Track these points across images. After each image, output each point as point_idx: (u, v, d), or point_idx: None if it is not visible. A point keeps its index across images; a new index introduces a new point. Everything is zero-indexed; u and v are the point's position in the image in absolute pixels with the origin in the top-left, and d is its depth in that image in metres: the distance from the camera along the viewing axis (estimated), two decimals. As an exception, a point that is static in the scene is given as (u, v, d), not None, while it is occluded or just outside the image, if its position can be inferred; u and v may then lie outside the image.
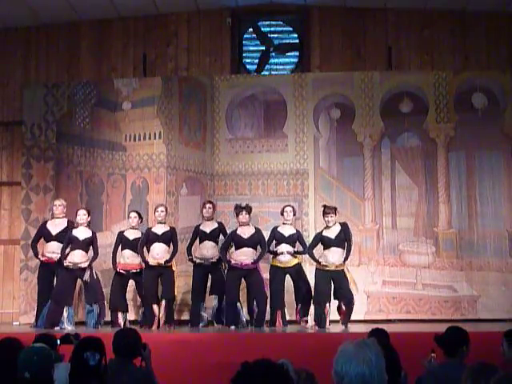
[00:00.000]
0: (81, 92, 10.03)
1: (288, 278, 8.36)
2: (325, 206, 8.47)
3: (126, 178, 9.88)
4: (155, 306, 8.32)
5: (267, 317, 8.24)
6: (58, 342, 4.61)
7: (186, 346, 6.88)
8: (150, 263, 8.35)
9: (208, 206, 8.65)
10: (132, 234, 8.57)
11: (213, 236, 8.50)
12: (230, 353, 6.14)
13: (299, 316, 8.29)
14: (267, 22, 10.56)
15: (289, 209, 8.54)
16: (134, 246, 8.46)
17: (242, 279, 8.35)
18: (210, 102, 10.00)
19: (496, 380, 2.66)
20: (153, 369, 4.31)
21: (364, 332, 5.92)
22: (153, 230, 8.55)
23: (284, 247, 8.31)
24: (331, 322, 8.16)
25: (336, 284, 8.12)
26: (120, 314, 8.45)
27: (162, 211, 8.58)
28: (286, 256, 8.28)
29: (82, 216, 8.46)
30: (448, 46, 9.97)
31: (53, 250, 8.40)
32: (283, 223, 8.51)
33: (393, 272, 9.40)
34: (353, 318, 8.33)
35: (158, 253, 8.38)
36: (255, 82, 10.22)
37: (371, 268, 9.35)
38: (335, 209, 8.41)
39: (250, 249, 8.29)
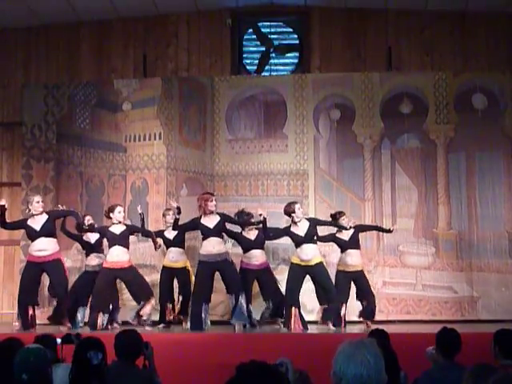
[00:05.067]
0: (81, 93, 10.04)
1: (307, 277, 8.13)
2: (339, 212, 8.49)
3: (126, 178, 9.89)
4: (169, 306, 8.40)
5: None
6: (59, 341, 4.62)
7: (186, 346, 6.88)
8: (166, 265, 8.48)
9: (214, 198, 8.05)
10: (118, 229, 8.20)
11: (216, 232, 7.98)
12: (229, 353, 6.14)
13: (322, 319, 8.07)
14: (267, 23, 10.56)
15: (298, 206, 8.11)
16: (121, 241, 8.13)
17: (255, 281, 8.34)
18: (210, 102, 10.01)
19: (495, 380, 2.66)
20: (156, 368, 4.30)
21: (364, 333, 5.93)
22: (165, 234, 8.49)
23: (304, 248, 7.95)
24: (348, 322, 8.29)
25: (357, 284, 8.31)
26: (101, 315, 8.07)
27: (173, 214, 8.42)
28: (307, 254, 7.96)
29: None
30: (448, 47, 9.97)
31: (39, 247, 8.07)
32: (294, 222, 8.05)
33: (393, 273, 9.40)
34: (352, 319, 8.45)
35: (174, 256, 8.44)
36: (255, 82, 10.22)
37: (371, 269, 9.35)
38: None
39: (259, 250, 8.30)
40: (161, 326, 8.40)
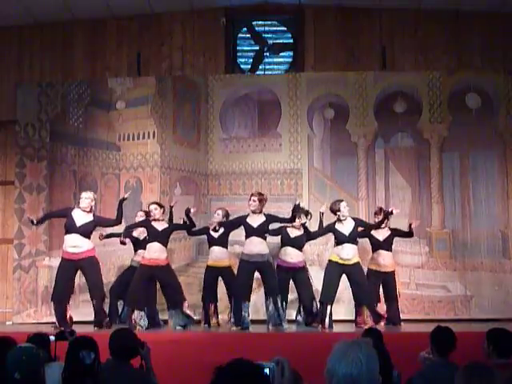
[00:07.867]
0: (75, 91, 10.01)
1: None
2: (383, 210, 8.53)
3: (120, 177, 9.87)
4: (212, 306, 8.28)
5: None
6: (53, 338, 4.61)
7: (184, 346, 6.87)
8: (210, 265, 8.32)
9: (253, 198, 7.96)
10: (160, 226, 8.08)
11: (259, 231, 7.90)
12: (228, 353, 6.11)
13: (360, 319, 8.02)
14: (261, 22, 10.56)
15: (344, 204, 8.15)
16: (162, 238, 8.02)
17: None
18: (204, 101, 10.00)
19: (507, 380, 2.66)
20: (152, 367, 4.27)
21: (357, 332, 5.93)
22: (211, 232, 8.35)
23: (346, 247, 8.01)
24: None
25: (386, 286, 8.42)
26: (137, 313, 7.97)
27: (219, 214, 8.34)
28: (348, 254, 8.00)
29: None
30: (442, 46, 9.98)
31: (74, 243, 7.95)
32: (339, 220, 8.08)
33: (386, 272, 9.40)
34: (347, 317, 8.47)
35: (217, 255, 8.28)
36: (249, 81, 10.22)
37: (365, 268, 9.33)
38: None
39: (295, 249, 8.20)
40: (205, 326, 8.25)
